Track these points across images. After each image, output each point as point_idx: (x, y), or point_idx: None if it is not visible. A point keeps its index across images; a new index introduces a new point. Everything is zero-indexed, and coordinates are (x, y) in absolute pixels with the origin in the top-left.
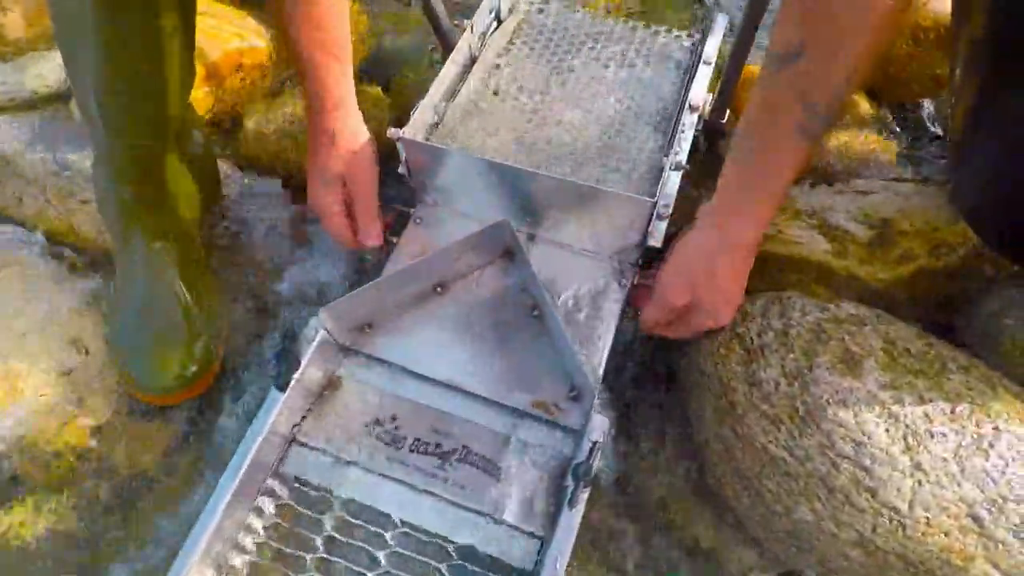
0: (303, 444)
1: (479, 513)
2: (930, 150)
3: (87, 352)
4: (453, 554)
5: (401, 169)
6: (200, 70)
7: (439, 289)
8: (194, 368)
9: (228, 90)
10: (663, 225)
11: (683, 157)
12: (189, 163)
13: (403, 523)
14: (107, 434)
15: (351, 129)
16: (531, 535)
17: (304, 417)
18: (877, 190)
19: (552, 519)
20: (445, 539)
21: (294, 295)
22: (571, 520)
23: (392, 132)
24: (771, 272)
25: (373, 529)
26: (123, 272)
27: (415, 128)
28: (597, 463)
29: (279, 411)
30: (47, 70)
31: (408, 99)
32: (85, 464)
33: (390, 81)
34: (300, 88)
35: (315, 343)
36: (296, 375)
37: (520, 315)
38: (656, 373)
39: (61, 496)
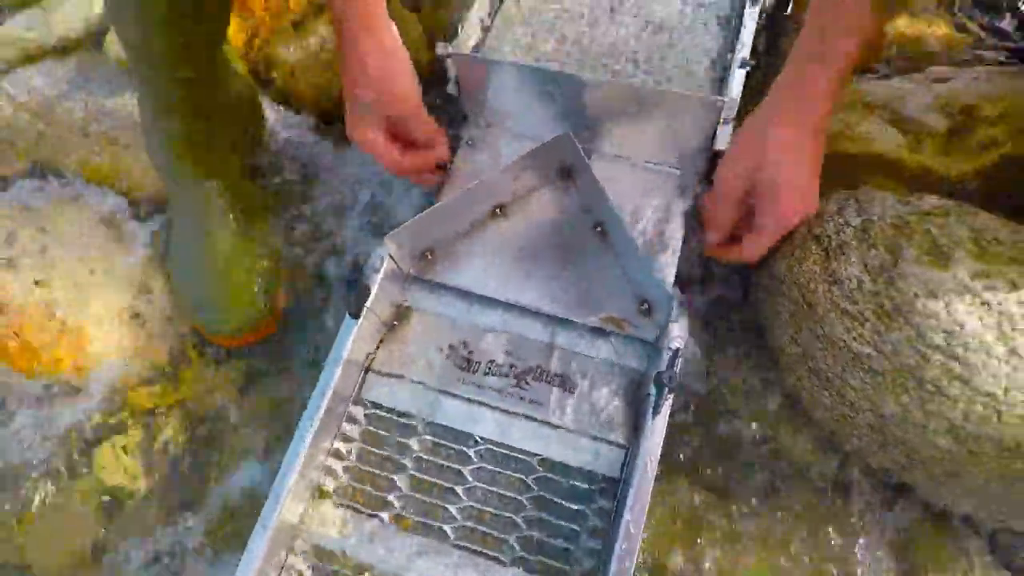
0: (379, 372)
1: (560, 427)
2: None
3: (151, 297)
4: (538, 466)
5: (450, 88)
6: None
7: (499, 211)
8: (259, 308)
9: (257, 21)
10: (728, 129)
11: (746, 53)
12: (233, 98)
13: (485, 440)
14: (181, 378)
15: (385, 50)
16: (615, 444)
17: (377, 347)
18: (954, 76)
19: (633, 429)
20: (528, 453)
21: (354, 230)
22: (657, 426)
23: (440, 49)
24: (839, 172)
25: (456, 447)
26: (177, 214)
27: (464, 43)
28: (679, 370)
29: (354, 339)
30: (70, 11)
31: (442, 19)
32: (162, 410)
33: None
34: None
35: (381, 271)
36: (368, 302)
37: (583, 233)
38: (727, 285)
39: (144, 442)
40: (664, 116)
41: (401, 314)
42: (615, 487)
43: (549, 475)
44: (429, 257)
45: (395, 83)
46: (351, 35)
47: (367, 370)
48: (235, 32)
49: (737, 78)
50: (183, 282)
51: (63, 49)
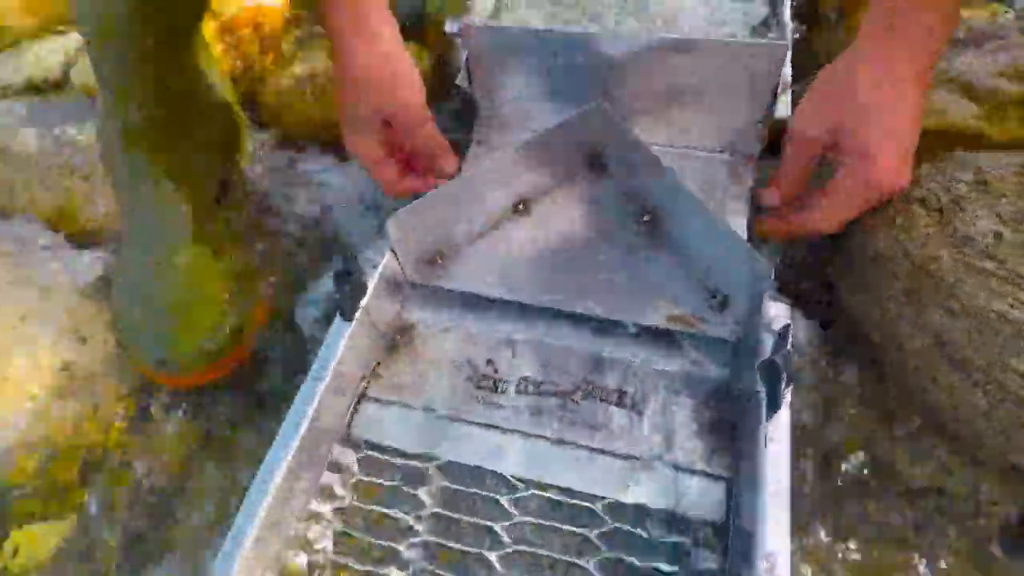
0: (376, 400)
1: (627, 457)
2: None
3: (87, 341)
4: (604, 514)
5: (460, 79)
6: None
7: (521, 208)
8: (221, 338)
9: (244, 51)
10: (787, 96)
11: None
12: (203, 95)
13: (524, 482)
14: (120, 432)
15: (385, 53)
16: (711, 476)
17: (374, 369)
18: (1019, 40)
19: (733, 454)
20: (588, 496)
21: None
22: (778, 433)
23: (450, 25)
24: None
25: (484, 495)
26: (132, 233)
27: (478, 15)
28: (792, 355)
29: (345, 348)
30: (46, 53)
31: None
32: (94, 472)
33: (425, 32)
34: (321, 25)
35: (381, 267)
36: (364, 302)
37: (625, 225)
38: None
39: (71, 512)
40: (714, 80)
41: (404, 329)
42: (720, 536)
43: (622, 526)
44: (439, 261)
45: (397, 88)
46: (347, 40)
47: (361, 397)
48: (221, 56)
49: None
50: (131, 313)
51: (29, 89)
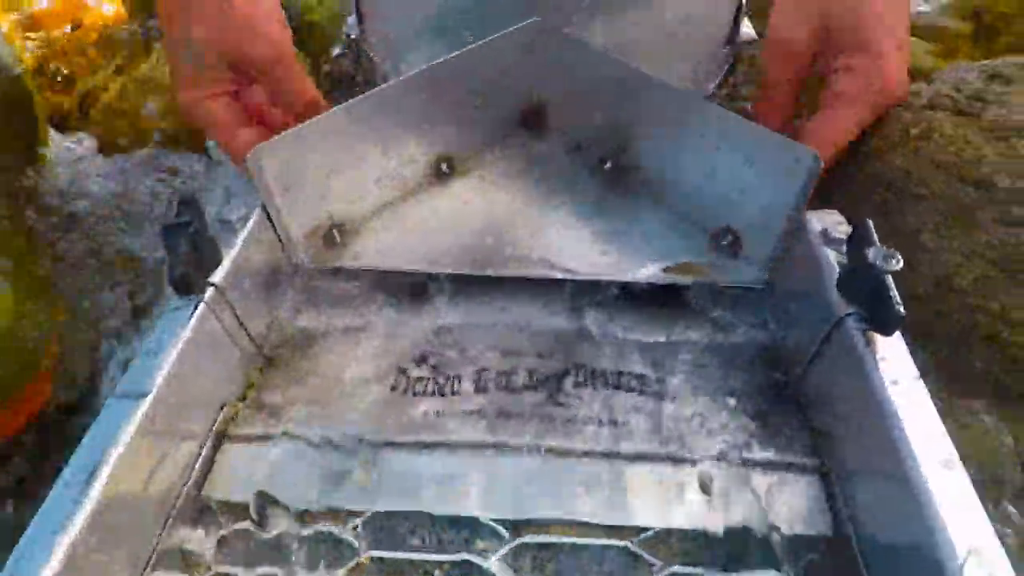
0: (246, 439)
1: (658, 460)
2: None
3: None
4: (647, 554)
5: (348, 27)
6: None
7: (445, 170)
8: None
9: (57, 49)
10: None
11: None
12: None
13: (511, 527)
14: None
15: None
16: (797, 469)
17: (244, 392)
18: None
19: (815, 432)
20: (615, 531)
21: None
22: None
23: None
24: None
25: (446, 562)
26: None
27: None
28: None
29: (185, 349)
30: None
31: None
32: None
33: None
34: None
35: (247, 230)
36: (219, 276)
37: (582, 178)
38: None
39: None
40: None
41: (288, 333)
42: (842, 566)
43: (684, 570)
44: (337, 236)
45: (256, 21)
46: None
47: (220, 438)
48: (21, 51)
49: None
50: None
51: None
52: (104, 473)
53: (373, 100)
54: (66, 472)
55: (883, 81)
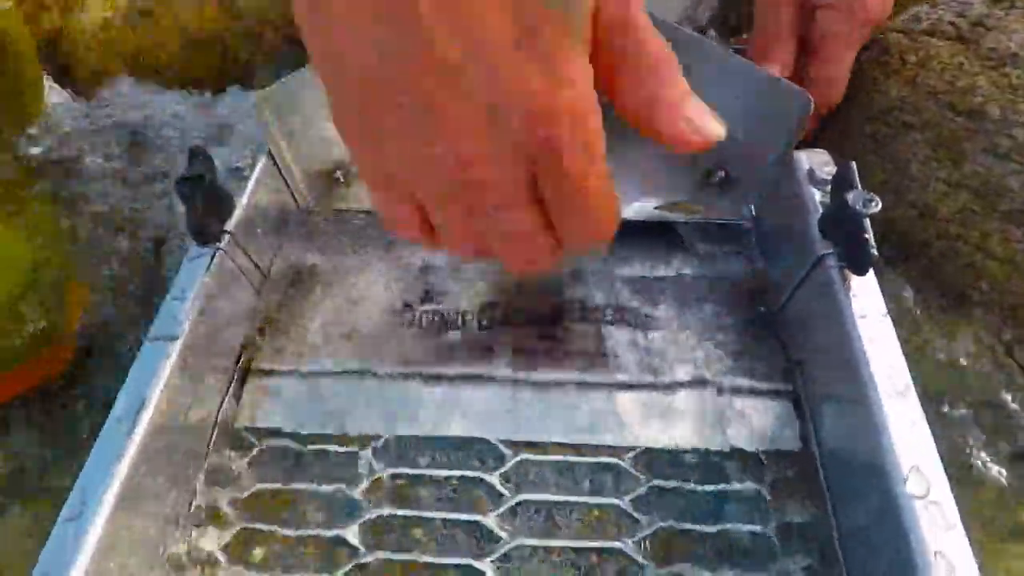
0: (268, 372)
1: (650, 388)
2: None
3: None
4: (634, 470)
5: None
6: None
7: None
8: (24, 331)
9: None
10: None
11: None
12: None
13: (511, 446)
14: None
15: None
16: (768, 393)
17: (261, 328)
18: None
19: (790, 361)
20: (607, 449)
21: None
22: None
23: None
24: None
25: (457, 476)
26: None
27: None
28: (872, 199)
29: (207, 292)
30: None
31: None
32: None
33: None
34: None
35: (256, 172)
36: (232, 221)
37: None
38: None
39: None
40: None
41: (298, 270)
42: (806, 477)
43: (664, 483)
44: (341, 179)
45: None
46: None
47: (245, 373)
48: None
49: None
50: None
51: None
52: (149, 408)
53: None
54: (116, 409)
55: (865, 12)
